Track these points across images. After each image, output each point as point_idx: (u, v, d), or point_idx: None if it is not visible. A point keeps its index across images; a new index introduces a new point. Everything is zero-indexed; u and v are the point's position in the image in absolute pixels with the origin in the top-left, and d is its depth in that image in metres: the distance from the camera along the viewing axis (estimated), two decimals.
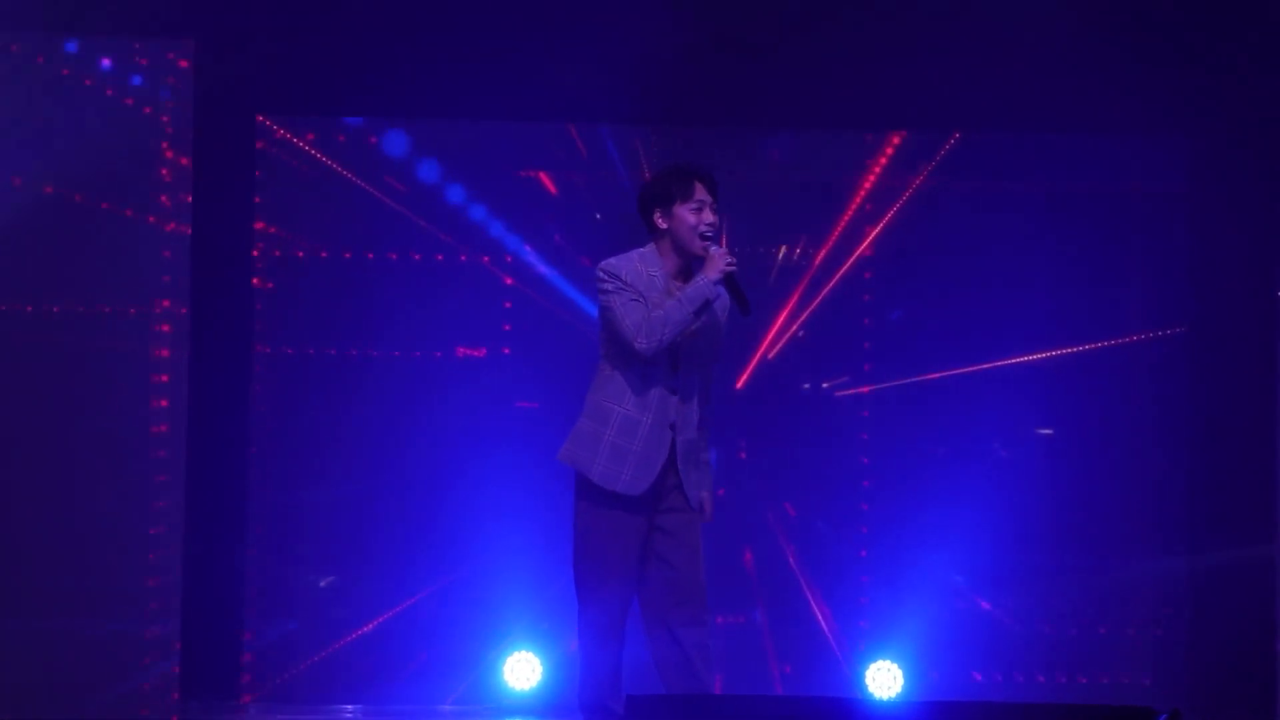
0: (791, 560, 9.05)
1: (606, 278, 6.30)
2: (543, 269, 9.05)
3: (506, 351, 9.09)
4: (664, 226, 6.33)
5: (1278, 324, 8.35)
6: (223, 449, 8.87)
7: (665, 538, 6.34)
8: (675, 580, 6.33)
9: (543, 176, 9.10)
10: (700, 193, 6.31)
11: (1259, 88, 8.58)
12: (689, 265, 6.35)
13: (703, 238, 6.29)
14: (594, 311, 6.51)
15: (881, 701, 8.49)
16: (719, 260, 6.24)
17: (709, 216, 6.30)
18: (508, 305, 9.07)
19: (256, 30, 8.60)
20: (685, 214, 6.31)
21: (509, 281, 9.06)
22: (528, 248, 9.04)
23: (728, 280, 6.24)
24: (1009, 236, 9.04)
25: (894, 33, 8.75)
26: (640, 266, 6.31)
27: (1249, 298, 8.74)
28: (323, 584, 8.98)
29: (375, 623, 8.98)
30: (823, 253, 9.10)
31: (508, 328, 9.07)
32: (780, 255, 9.12)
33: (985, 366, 9.05)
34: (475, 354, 9.08)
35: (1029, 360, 9.05)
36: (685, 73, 8.75)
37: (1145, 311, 9.06)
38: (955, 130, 9.01)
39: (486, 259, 9.04)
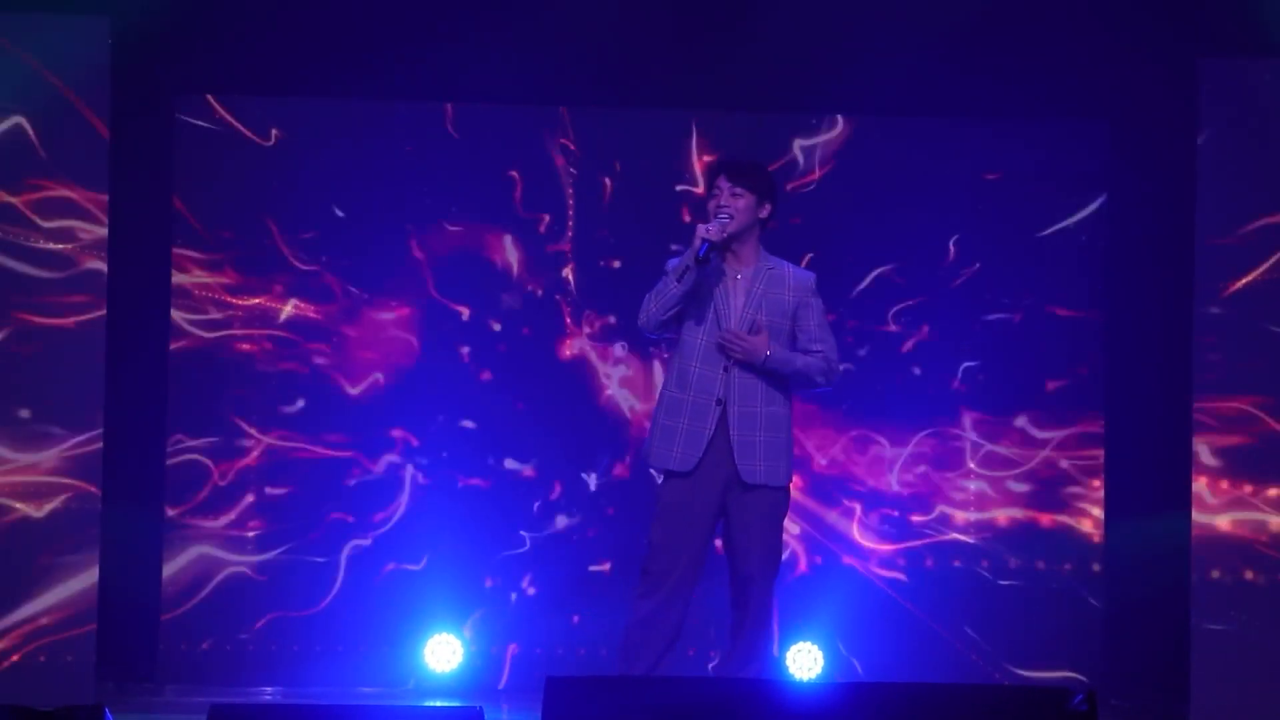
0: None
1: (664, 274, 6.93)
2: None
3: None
4: None
5: (1192, 303, 8.40)
6: (139, 428, 8.84)
7: (731, 524, 6.89)
8: (736, 565, 6.90)
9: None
10: (718, 181, 6.94)
11: (1176, 73, 8.65)
12: (728, 248, 6.93)
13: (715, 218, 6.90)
14: None
15: (802, 682, 8.52)
16: (698, 230, 6.81)
17: (723, 200, 6.89)
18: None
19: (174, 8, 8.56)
20: (709, 206, 6.96)
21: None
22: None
23: (705, 245, 6.76)
24: (933, 216, 9.09)
25: (827, 19, 8.80)
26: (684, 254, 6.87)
27: (1165, 278, 8.82)
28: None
29: (293, 603, 8.95)
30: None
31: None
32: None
33: (909, 345, 9.10)
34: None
35: (949, 339, 9.11)
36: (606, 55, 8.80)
37: (1064, 292, 9.12)
38: (888, 115, 9.05)
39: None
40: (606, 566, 9.02)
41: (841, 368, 7.12)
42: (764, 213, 6.94)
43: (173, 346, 8.91)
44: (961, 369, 9.10)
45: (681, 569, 6.85)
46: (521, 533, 9.03)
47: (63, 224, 8.26)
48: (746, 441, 6.84)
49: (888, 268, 9.10)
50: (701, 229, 6.81)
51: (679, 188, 9.11)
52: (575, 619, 9.00)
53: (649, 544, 6.89)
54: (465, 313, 9.05)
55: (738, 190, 6.88)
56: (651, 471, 7.11)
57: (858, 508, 9.09)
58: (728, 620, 6.99)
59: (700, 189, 8.98)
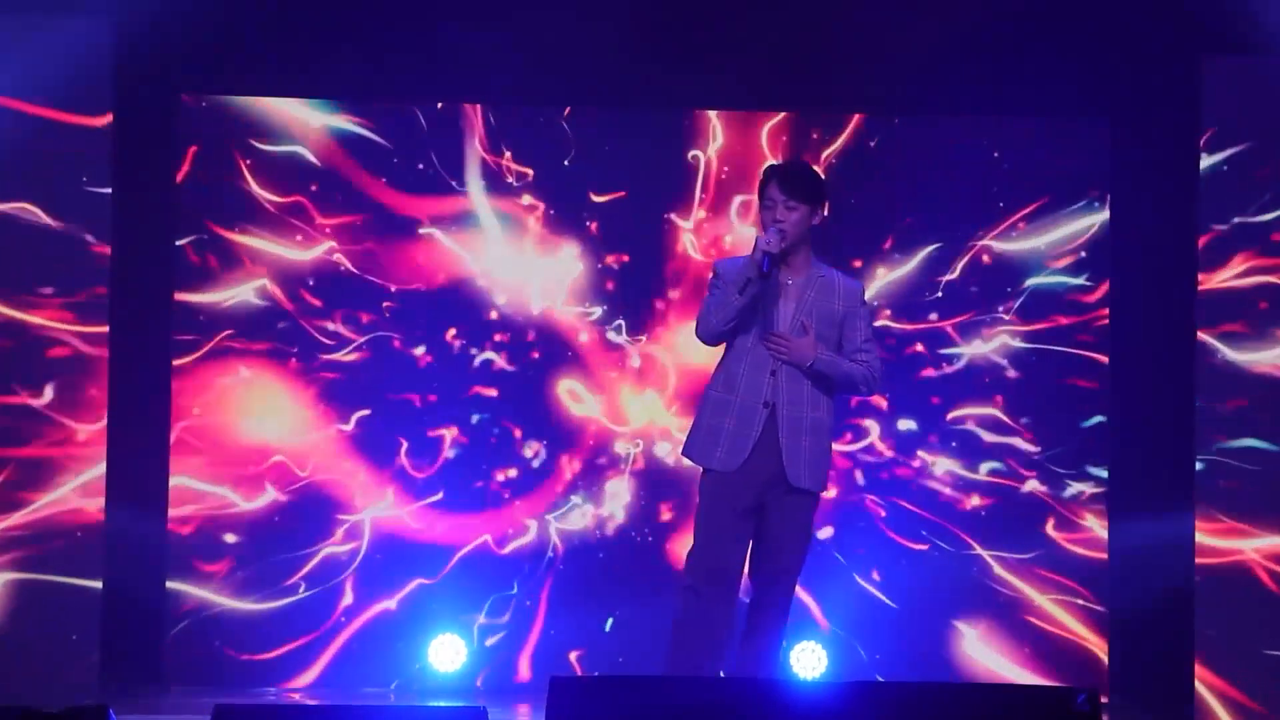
0: None
1: (712, 275, 6.99)
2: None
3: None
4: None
5: (1195, 303, 8.41)
6: (143, 429, 8.84)
7: (768, 523, 6.92)
8: (763, 565, 6.97)
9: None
10: (771, 192, 6.91)
11: (1177, 72, 8.66)
12: (784, 257, 6.92)
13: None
14: None
15: (806, 682, 8.53)
16: (758, 242, 6.80)
17: (778, 214, 6.88)
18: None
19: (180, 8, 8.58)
20: (762, 215, 6.95)
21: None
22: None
23: (767, 259, 6.77)
24: (933, 216, 9.09)
25: (826, 18, 8.81)
26: (742, 265, 6.87)
27: (1167, 277, 8.82)
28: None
29: (297, 603, 8.95)
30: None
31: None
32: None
33: (908, 345, 9.10)
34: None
35: (947, 340, 9.10)
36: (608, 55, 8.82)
37: (1064, 291, 9.11)
38: (888, 115, 9.05)
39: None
40: (614, 566, 9.03)
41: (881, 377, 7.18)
42: (817, 220, 6.99)
43: (175, 343, 8.93)
44: (961, 369, 9.10)
45: (726, 563, 6.90)
46: (529, 531, 9.03)
47: (64, 224, 8.28)
48: (793, 446, 6.89)
49: (886, 266, 9.11)
50: (761, 241, 6.83)
51: (682, 187, 9.13)
52: (581, 619, 9.00)
53: (695, 538, 6.96)
54: (470, 312, 9.05)
55: (792, 203, 6.90)
56: (687, 463, 7.15)
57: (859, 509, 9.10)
58: (743, 620, 7.04)
59: (699, 189, 9.03)
